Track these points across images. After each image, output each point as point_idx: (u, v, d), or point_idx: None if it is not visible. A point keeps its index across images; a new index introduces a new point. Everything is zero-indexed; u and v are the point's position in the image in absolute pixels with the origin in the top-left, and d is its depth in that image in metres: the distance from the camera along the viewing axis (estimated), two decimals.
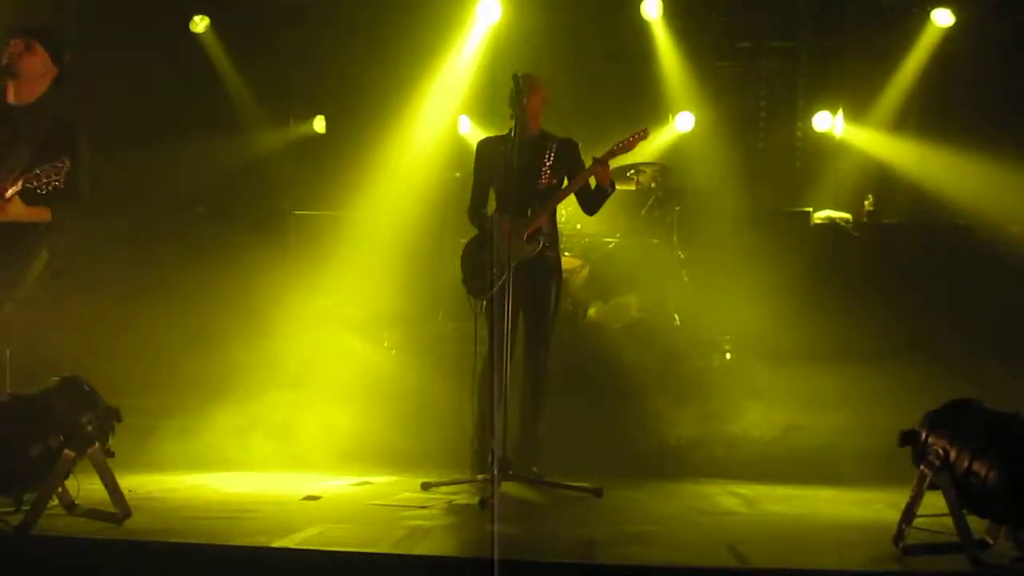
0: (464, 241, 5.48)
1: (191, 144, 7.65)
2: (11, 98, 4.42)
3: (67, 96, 4.56)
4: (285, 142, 8.55)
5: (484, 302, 5.03)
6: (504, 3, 8.16)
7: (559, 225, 5.55)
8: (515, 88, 4.91)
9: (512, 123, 5.00)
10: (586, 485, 4.77)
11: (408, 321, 7.13)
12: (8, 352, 4.13)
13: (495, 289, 4.77)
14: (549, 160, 5.22)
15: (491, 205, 5.38)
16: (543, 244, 5.14)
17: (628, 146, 5.15)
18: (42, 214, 4.21)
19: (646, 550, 3.52)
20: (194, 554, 3.24)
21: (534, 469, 5.07)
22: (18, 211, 4.12)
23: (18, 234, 4.20)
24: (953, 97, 7.86)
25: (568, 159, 5.26)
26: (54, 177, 3.98)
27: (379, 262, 7.36)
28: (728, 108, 8.42)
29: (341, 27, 8.38)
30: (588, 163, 5.16)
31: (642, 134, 5.22)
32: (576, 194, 5.30)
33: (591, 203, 5.34)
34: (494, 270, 4.93)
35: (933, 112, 7.95)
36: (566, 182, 5.26)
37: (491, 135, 5.54)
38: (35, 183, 3.99)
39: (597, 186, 5.21)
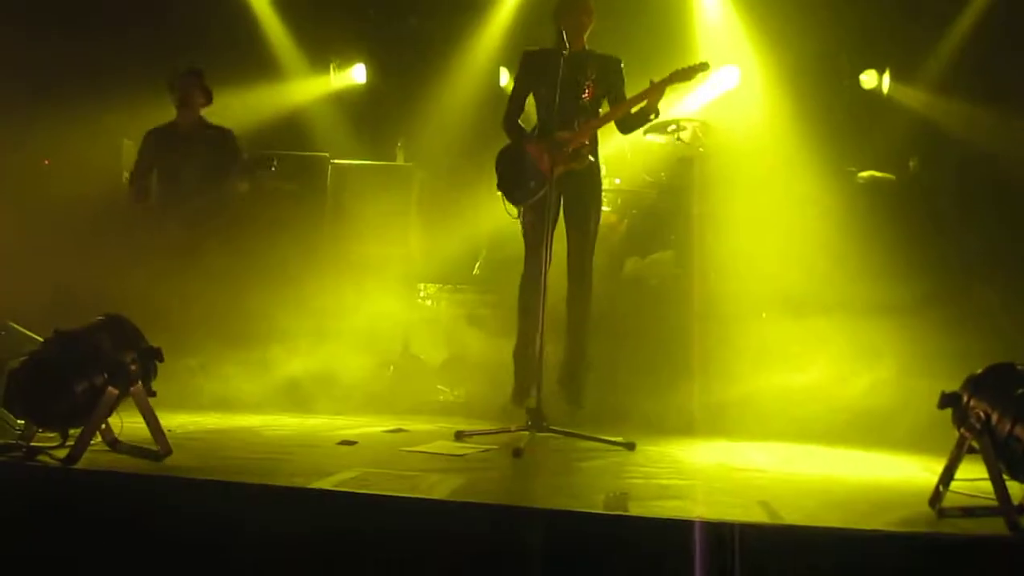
0: (500, 192, 5.46)
1: (231, 90, 7.65)
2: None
3: None
4: (325, 90, 8.53)
5: (522, 209, 5.05)
6: None
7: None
8: (556, 39, 4.87)
9: (556, 39, 5.00)
10: (619, 439, 4.79)
11: (445, 271, 7.15)
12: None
13: (537, 197, 4.76)
14: (592, 75, 5.20)
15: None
16: (589, 159, 5.14)
17: (687, 75, 5.13)
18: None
19: (679, 504, 3.52)
20: (232, 491, 3.30)
21: (580, 404, 5.14)
22: None
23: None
24: (1004, 57, 7.64)
25: (611, 76, 5.26)
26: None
27: (415, 213, 7.36)
28: (773, 64, 8.26)
29: None
30: (637, 83, 5.11)
31: (702, 66, 5.16)
32: (614, 108, 5.27)
33: (631, 124, 5.32)
34: (534, 180, 4.93)
35: (983, 72, 7.74)
36: (605, 105, 5.24)
37: (534, 48, 5.49)
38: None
39: (642, 110, 5.18)
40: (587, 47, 5.31)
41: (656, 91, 5.07)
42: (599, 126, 5.25)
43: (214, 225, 6.40)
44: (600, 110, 5.32)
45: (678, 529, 2.91)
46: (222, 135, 6.57)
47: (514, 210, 5.16)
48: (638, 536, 2.99)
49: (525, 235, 5.19)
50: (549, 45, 5.18)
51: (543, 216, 4.85)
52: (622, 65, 5.34)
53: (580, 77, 5.18)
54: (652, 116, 5.19)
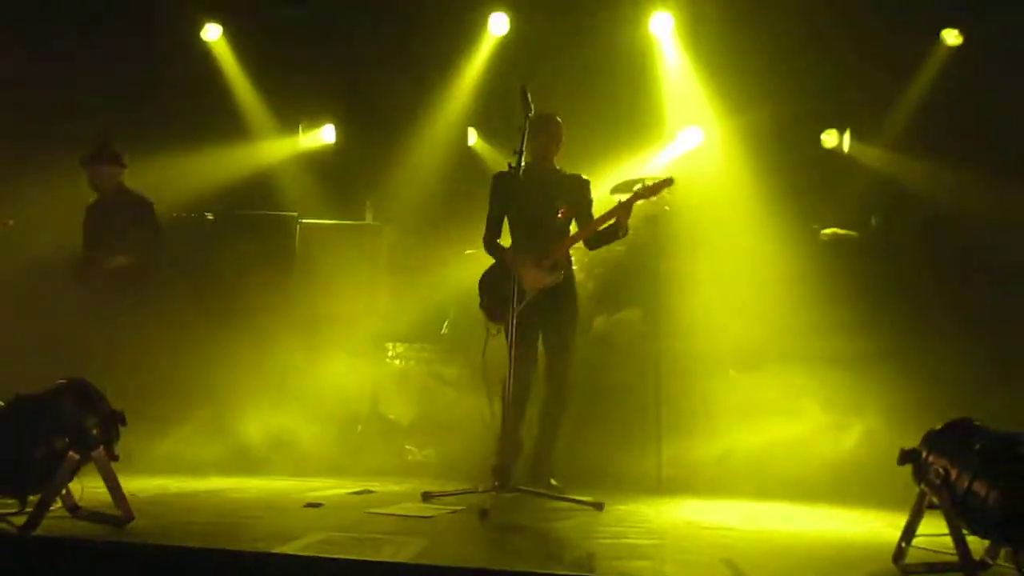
0: (469, 252, 5.57)
1: (200, 151, 7.69)
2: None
3: None
4: (294, 151, 8.59)
5: (503, 327, 5.14)
6: (513, 17, 8.20)
7: None
8: (522, 100, 4.96)
9: (519, 139, 5.05)
10: (588, 499, 4.78)
11: (412, 331, 7.16)
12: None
13: (515, 312, 4.85)
14: (562, 195, 5.42)
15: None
16: (563, 273, 5.34)
17: (652, 192, 5.34)
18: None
19: (646, 563, 3.52)
20: (196, 558, 3.26)
21: (552, 482, 5.21)
22: None
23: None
24: (962, 117, 7.86)
25: (579, 195, 5.48)
26: None
27: (384, 272, 7.39)
28: (735, 124, 8.43)
29: (351, 37, 8.42)
30: (603, 199, 5.31)
31: (668, 182, 5.39)
32: (580, 227, 5.47)
33: (598, 242, 5.54)
34: (516, 299, 5.02)
35: (942, 132, 7.95)
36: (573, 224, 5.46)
37: (502, 170, 5.60)
38: None
39: (609, 229, 5.38)
40: (556, 166, 5.53)
41: (623, 210, 5.26)
42: (572, 244, 5.44)
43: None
44: (570, 228, 5.50)
45: None
46: (140, 206, 6.57)
47: (494, 327, 5.25)
48: None
49: (509, 349, 5.13)
50: (513, 123, 5.18)
51: (522, 332, 4.91)
52: (589, 185, 5.55)
53: (550, 195, 5.40)
54: (620, 234, 5.36)
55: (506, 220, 5.51)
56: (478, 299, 5.41)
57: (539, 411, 5.39)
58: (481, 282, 5.47)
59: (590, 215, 5.49)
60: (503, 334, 5.15)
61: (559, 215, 5.40)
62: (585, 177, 5.56)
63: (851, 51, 8.25)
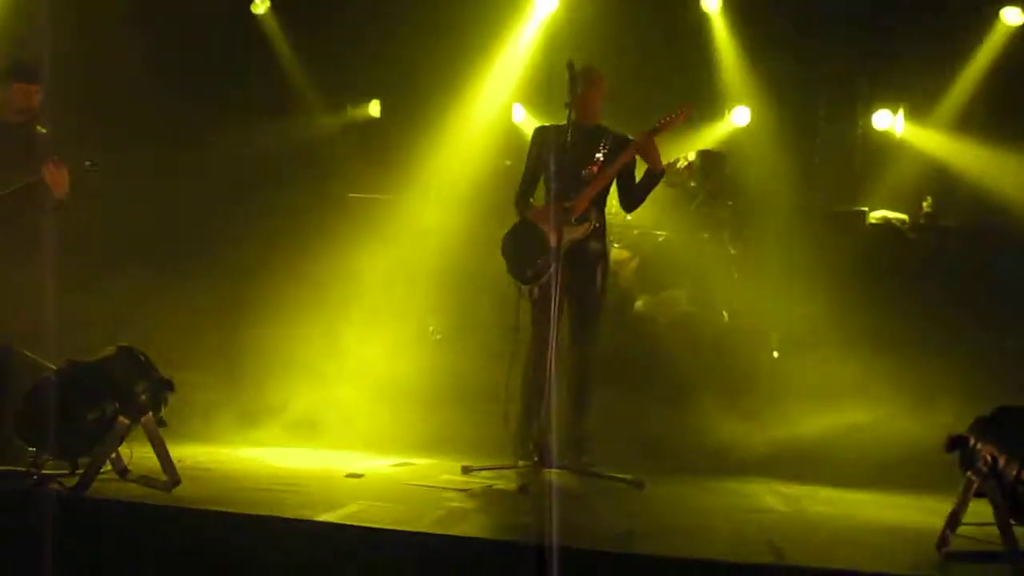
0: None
1: (249, 128, 7.76)
2: None
3: None
4: (341, 126, 8.64)
5: (534, 288, 5.06)
6: None
7: (608, 216, 5.54)
8: (569, 76, 4.91)
9: (567, 115, 4.99)
10: (628, 477, 4.78)
11: (454, 307, 7.18)
12: None
13: (546, 276, 4.78)
14: (603, 150, 5.21)
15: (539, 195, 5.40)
16: (593, 225, 5.14)
17: (672, 122, 5.10)
18: None
19: (685, 543, 3.51)
20: (238, 523, 3.32)
21: (584, 459, 5.09)
22: None
23: None
24: (1020, 99, 7.66)
25: (619, 155, 5.23)
26: None
27: (428, 247, 7.40)
28: (786, 104, 8.30)
29: (398, 12, 8.42)
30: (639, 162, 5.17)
31: (685, 109, 5.15)
32: (619, 187, 5.28)
33: (634, 194, 5.31)
34: (541, 257, 4.96)
35: (998, 114, 7.76)
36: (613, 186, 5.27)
37: (548, 123, 5.51)
38: None
39: (645, 173, 5.19)
40: (600, 123, 5.31)
41: (643, 144, 5.07)
42: (599, 187, 5.18)
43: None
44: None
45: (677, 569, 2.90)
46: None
47: (526, 289, 5.09)
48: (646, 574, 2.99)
49: (533, 310, 5.12)
50: (560, 99, 5.01)
51: (550, 292, 4.83)
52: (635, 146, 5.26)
53: (588, 153, 5.19)
54: (657, 176, 5.17)
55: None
56: (523, 293, 5.11)
57: (566, 385, 5.17)
58: (504, 246, 5.24)
59: (632, 175, 5.26)
60: (535, 297, 5.03)
61: (591, 168, 5.16)
62: (630, 136, 5.26)
63: (906, 30, 8.10)
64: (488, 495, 4.33)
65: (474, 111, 8.30)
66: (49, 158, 5.14)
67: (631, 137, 5.25)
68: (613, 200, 6.43)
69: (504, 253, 5.25)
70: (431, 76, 8.34)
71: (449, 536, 3.29)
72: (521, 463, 4.89)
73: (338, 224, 7.61)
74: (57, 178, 5.11)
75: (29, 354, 4.09)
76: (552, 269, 4.85)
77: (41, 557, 3.19)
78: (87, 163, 5.18)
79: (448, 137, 8.15)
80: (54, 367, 3.87)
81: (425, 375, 6.65)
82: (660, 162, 5.15)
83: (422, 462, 5.32)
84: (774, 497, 4.82)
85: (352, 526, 3.33)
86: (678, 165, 7.40)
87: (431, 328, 7.03)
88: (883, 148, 8.30)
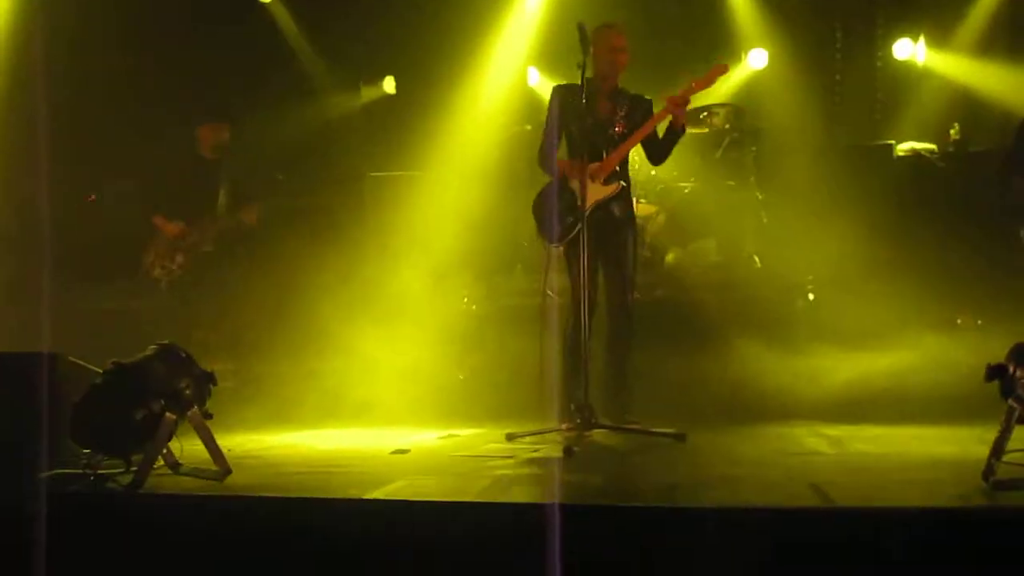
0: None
1: (267, 114, 7.80)
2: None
3: None
4: (357, 105, 8.65)
5: (563, 247, 5.08)
6: None
7: (631, 172, 5.54)
8: (580, 38, 4.88)
9: (581, 73, 4.96)
10: (670, 431, 4.80)
11: (486, 275, 7.21)
12: None
13: (575, 231, 4.78)
14: (622, 111, 5.20)
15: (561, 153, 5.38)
16: (621, 184, 5.14)
17: (706, 83, 5.10)
18: None
19: (730, 493, 3.54)
20: (291, 507, 3.40)
21: (626, 416, 5.13)
22: None
23: None
24: None
25: (641, 116, 5.24)
26: None
27: (455, 219, 7.42)
28: (803, 41, 8.17)
29: None
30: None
31: (720, 68, 5.15)
32: (645, 144, 5.27)
33: (659, 150, 5.31)
34: (571, 215, 4.96)
35: (1020, 33, 7.58)
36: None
37: (564, 83, 5.48)
38: None
39: (668, 129, 5.17)
40: (619, 86, 5.27)
41: (676, 106, 5.03)
42: (628, 149, 5.21)
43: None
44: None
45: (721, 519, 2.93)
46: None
47: (555, 249, 5.12)
48: (691, 526, 3.02)
49: (569, 273, 5.15)
50: (573, 59, 4.96)
51: (580, 250, 4.85)
52: (652, 104, 5.28)
53: (610, 112, 5.18)
54: (680, 132, 5.15)
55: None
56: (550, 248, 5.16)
57: (605, 346, 5.23)
58: (535, 206, 5.26)
59: (654, 135, 5.26)
60: (567, 256, 5.07)
61: (616, 129, 5.16)
62: (648, 97, 5.30)
63: None
64: (533, 461, 4.37)
65: (489, 78, 8.28)
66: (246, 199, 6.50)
67: (647, 97, 5.26)
68: (635, 156, 6.43)
69: (535, 212, 5.28)
70: (444, 46, 8.31)
71: (497, 503, 3.34)
72: (565, 426, 4.93)
73: (361, 203, 7.67)
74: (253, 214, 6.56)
75: (78, 361, 4.20)
76: (580, 227, 4.85)
77: (103, 555, 3.29)
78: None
79: (466, 107, 8.14)
80: (100, 371, 3.96)
81: (462, 346, 6.71)
82: (683, 122, 5.13)
83: (467, 432, 5.38)
84: (817, 439, 4.83)
85: (400, 501, 3.38)
86: (701, 116, 7.34)
87: (465, 298, 7.07)
88: (906, 78, 8.16)
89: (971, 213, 6.60)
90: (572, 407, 4.96)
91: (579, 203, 4.90)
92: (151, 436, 3.75)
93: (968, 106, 7.79)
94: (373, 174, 7.86)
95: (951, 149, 7.54)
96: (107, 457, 3.85)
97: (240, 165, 6.67)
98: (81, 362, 4.20)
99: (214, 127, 6.61)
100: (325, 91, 8.53)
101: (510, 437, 4.86)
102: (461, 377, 6.47)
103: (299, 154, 7.96)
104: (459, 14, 8.20)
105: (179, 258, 6.40)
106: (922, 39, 8.04)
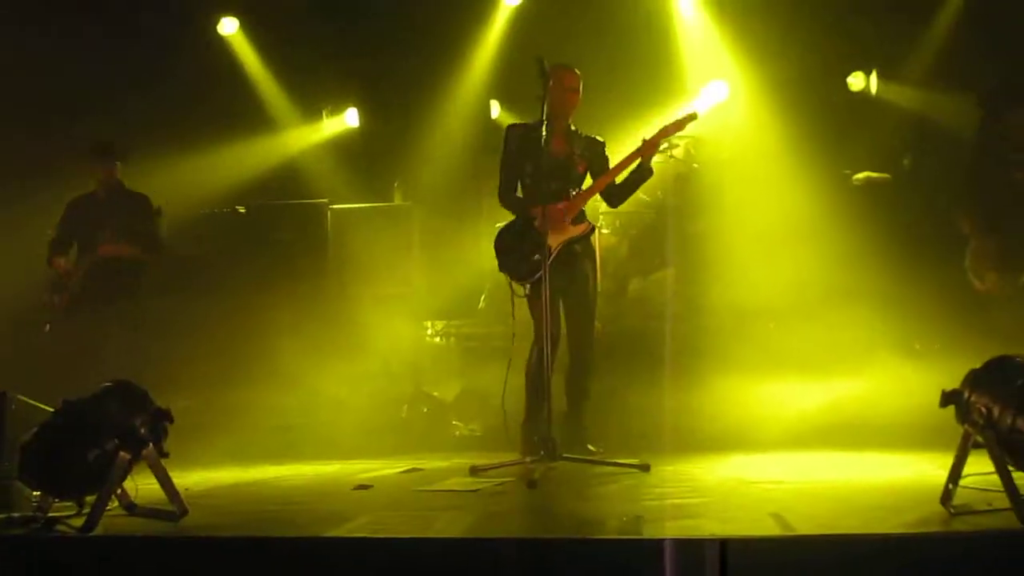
0: (500, 225, 5.51)
1: (228, 146, 7.77)
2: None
3: None
4: (319, 137, 8.64)
5: (529, 286, 5.11)
6: None
7: (593, 202, 5.59)
8: (539, 71, 4.91)
9: (540, 108, 4.99)
10: (634, 461, 4.80)
11: (450, 308, 7.20)
12: None
13: (544, 268, 4.81)
14: (578, 150, 5.31)
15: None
16: (589, 225, 5.25)
17: (678, 127, 5.23)
18: None
19: (693, 522, 3.53)
20: (250, 547, 3.33)
21: (590, 447, 5.17)
22: None
23: None
24: (987, 48, 7.66)
25: (596, 157, 5.35)
26: None
27: (418, 250, 7.42)
28: (762, 74, 8.30)
29: (367, 19, 8.42)
30: (618, 154, 5.26)
31: (691, 116, 5.27)
32: (605, 188, 5.34)
33: (622, 191, 5.41)
34: (537, 254, 4.99)
35: (968, 65, 7.75)
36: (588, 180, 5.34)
37: (519, 121, 5.56)
38: None
39: (635, 170, 5.25)
40: (572, 127, 5.35)
41: (649, 147, 5.15)
42: (596, 191, 5.31)
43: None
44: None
45: (687, 548, 2.92)
46: (143, 201, 6.46)
47: (520, 289, 5.18)
48: (649, 558, 3.00)
49: (531, 310, 5.17)
50: (533, 92, 4.98)
51: (542, 289, 4.86)
52: (605, 146, 5.40)
53: (568, 151, 5.26)
54: (646, 175, 5.25)
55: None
56: (517, 292, 5.20)
57: (565, 379, 5.31)
58: (497, 243, 5.31)
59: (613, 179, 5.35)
60: (530, 294, 5.10)
61: (578, 169, 5.25)
62: (600, 139, 5.41)
63: None
64: (498, 494, 4.34)
65: (451, 111, 8.31)
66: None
67: (599, 139, 5.38)
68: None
69: (498, 248, 5.29)
70: (405, 79, 8.36)
71: (462, 539, 3.30)
72: (529, 458, 4.91)
73: (323, 236, 7.63)
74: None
75: (27, 399, 4.11)
76: (544, 266, 4.89)
77: None
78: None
79: (428, 139, 8.16)
80: (51, 409, 3.88)
81: (427, 378, 6.69)
82: (651, 166, 5.25)
83: (431, 466, 5.33)
84: (780, 467, 4.84)
85: (363, 538, 3.33)
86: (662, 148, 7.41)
87: (429, 331, 7.06)
88: (859, 110, 8.30)
89: (926, 240, 6.71)
90: (536, 439, 4.94)
91: (542, 245, 4.89)
92: (104, 476, 3.67)
93: (920, 135, 7.94)
94: (335, 206, 7.85)
95: (905, 178, 7.67)
96: (58, 499, 3.76)
97: (135, 203, 6.45)
98: (31, 401, 4.10)
99: (104, 165, 6.40)
100: (287, 123, 8.52)
101: (474, 471, 4.83)
102: (424, 410, 6.44)
103: (260, 186, 7.93)
104: (422, 47, 8.26)
105: (56, 298, 6.28)
106: (874, 72, 8.20)
